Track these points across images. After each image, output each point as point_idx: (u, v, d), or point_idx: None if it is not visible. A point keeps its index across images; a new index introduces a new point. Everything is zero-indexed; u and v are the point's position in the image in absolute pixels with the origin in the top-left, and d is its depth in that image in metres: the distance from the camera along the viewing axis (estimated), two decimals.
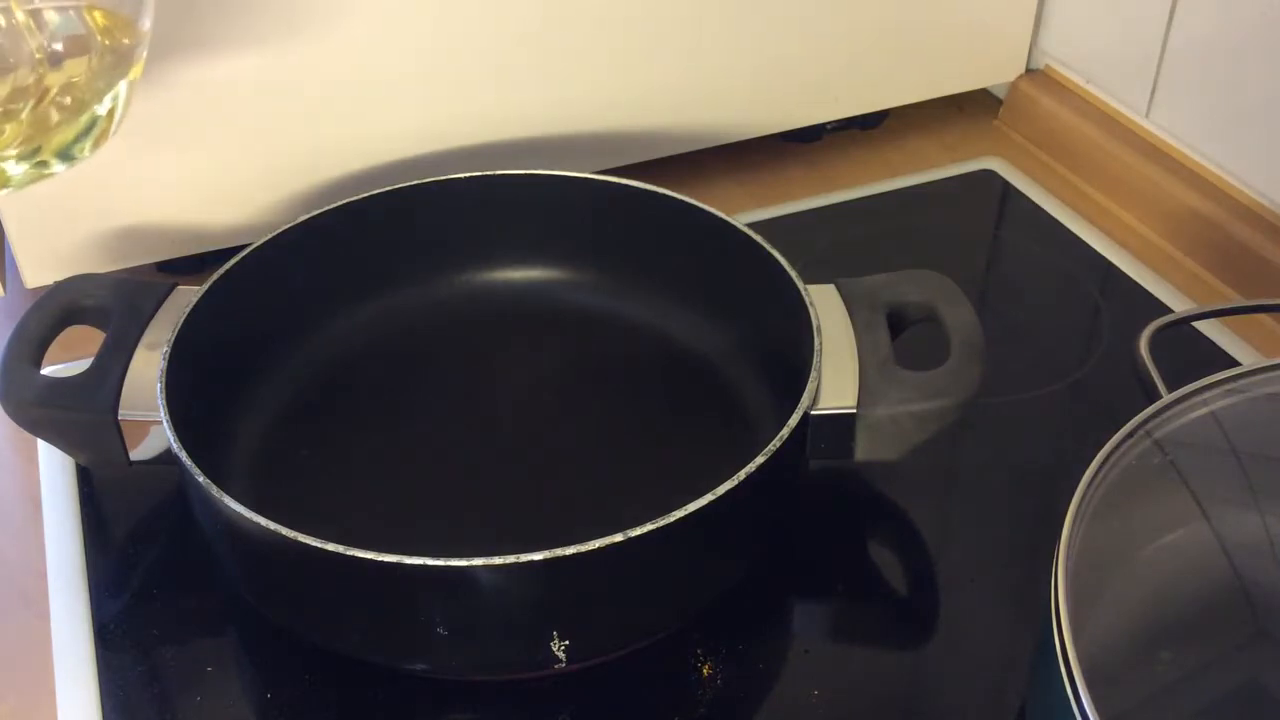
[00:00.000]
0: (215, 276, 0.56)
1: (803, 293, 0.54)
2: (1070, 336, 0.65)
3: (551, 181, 0.62)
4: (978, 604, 0.52)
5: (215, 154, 0.64)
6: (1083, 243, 0.71)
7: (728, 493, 0.45)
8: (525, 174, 0.62)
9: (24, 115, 0.45)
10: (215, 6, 0.60)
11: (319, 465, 0.56)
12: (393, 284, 0.63)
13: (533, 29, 0.66)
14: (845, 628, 0.52)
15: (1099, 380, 0.62)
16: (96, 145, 0.49)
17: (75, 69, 0.46)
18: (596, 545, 0.43)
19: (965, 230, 0.73)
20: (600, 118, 0.70)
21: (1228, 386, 0.47)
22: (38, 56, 0.44)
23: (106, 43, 0.47)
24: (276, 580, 0.48)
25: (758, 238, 0.57)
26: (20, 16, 0.44)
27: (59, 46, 0.46)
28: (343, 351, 0.61)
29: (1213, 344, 0.63)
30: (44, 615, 0.53)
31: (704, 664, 0.50)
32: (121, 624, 0.52)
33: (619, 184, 0.61)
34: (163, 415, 0.49)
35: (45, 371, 0.53)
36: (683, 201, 0.60)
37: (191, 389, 0.52)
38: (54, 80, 0.45)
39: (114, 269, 0.65)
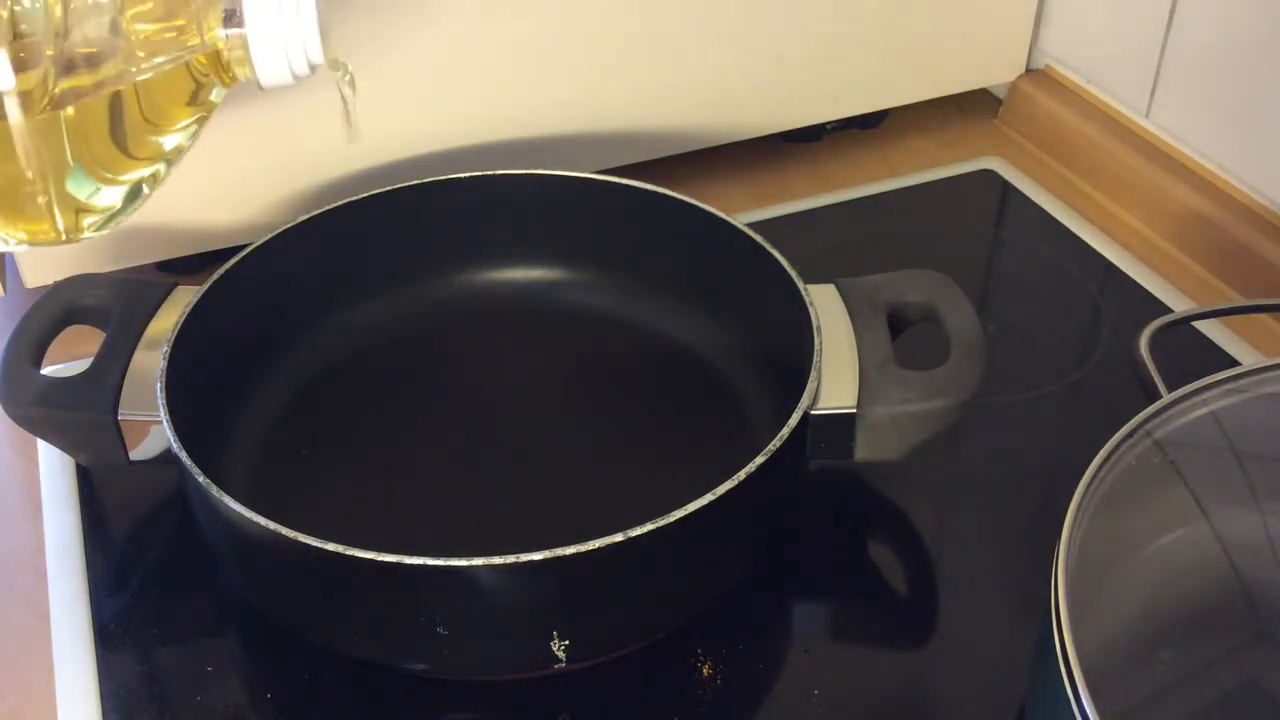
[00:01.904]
0: (215, 276, 0.56)
1: (803, 293, 0.54)
2: (1070, 336, 0.65)
3: (551, 181, 0.62)
4: (978, 604, 0.52)
5: (215, 154, 0.64)
6: (1083, 243, 0.71)
7: (728, 493, 0.45)
8: (525, 174, 0.62)
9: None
10: None
11: (319, 465, 0.56)
12: (393, 284, 0.63)
13: (533, 29, 0.66)
14: (845, 628, 0.52)
15: (1099, 380, 0.62)
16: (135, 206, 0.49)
17: (88, 78, 0.45)
18: (596, 545, 0.43)
19: (965, 230, 0.73)
20: (600, 118, 0.70)
21: (1228, 386, 0.47)
22: (49, 53, 0.43)
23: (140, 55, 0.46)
24: (276, 580, 0.48)
25: (758, 238, 0.57)
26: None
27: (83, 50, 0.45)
28: (343, 351, 0.61)
29: (1213, 344, 0.63)
30: (44, 615, 0.53)
31: (704, 664, 0.50)
32: (121, 624, 0.52)
33: (619, 184, 0.61)
34: (163, 415, 0.49)
35: (45, 371, 0.53)
36: (683, 201, 0.60)
37: (191, 389, 0.52)
38: (63, 86, 0.44)
39: (114, 269, 0.65)
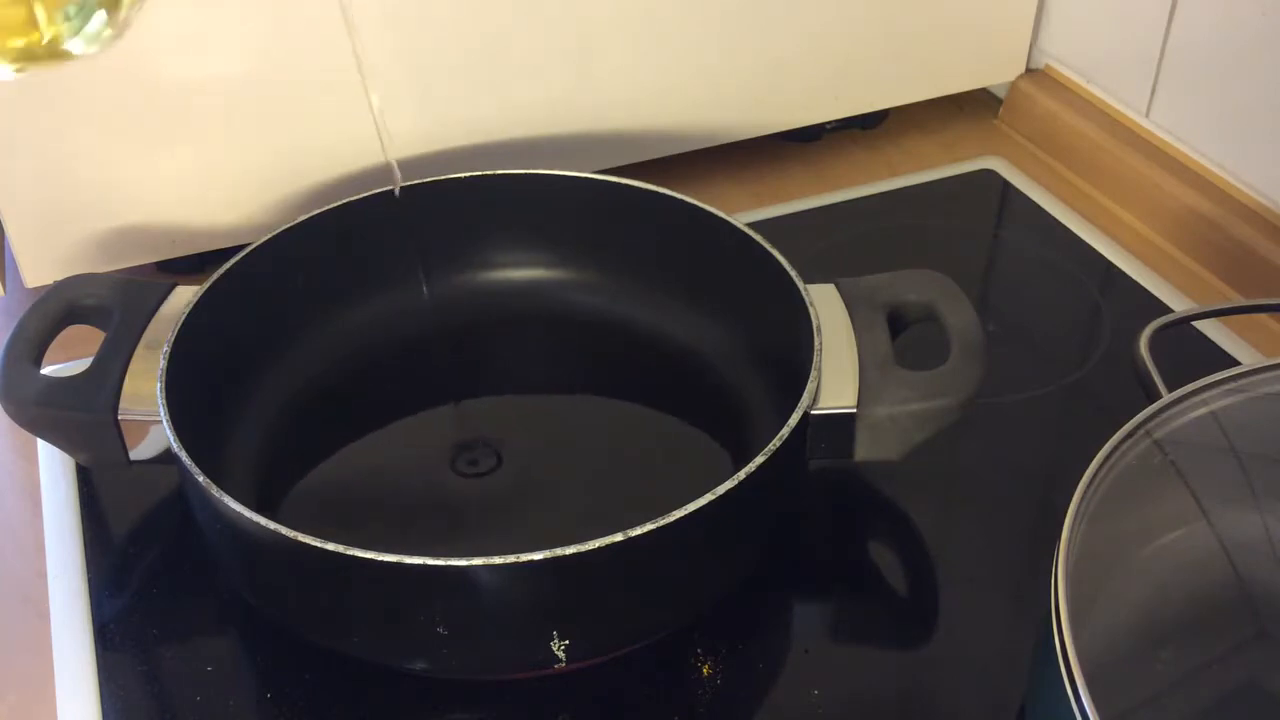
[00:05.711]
0: (215, 276, 0.56)
1: (803, 293, 0.54)
2: (1070, 336, 0.65)
3: (551, 181, 0.62)
4: (978, 604, 0.52)
5: (215, 154, 0.64)
6: (1083, 243, 0.71)
7: (728, 493, 0.45)
8: (525, 174, 0.62)
9: None
10: (215, 5, 0.60)
11: (318, 465, 0.56)
12: (392, 284, 0.63)
13: (532, 29, 0.66)
14: (845, 628, 0.52)
15: (1099, 380, 0.62)
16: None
17: None
18: (596, 545, 0.43)
19: (965, 230, 0.73)
20: (600, 118, 0.70)
21: (1228, 386, 0.47)
22: None
23: None
24: (277, 580, 0.48)
25: (758, 238, 0.57)
26: None
27: None
28: (342, 351, 0.61)
29: (1213, 344, 0.63)
30: (44, 615, 0.53)
31: (704, 664, 0.50)
32: (121, 624, 0.52)
33: (619, 184, 0.61)
34: (163, 415, 0.49)
35: (45, 371, 0.53)
36: (683, 201, 0.60)
37: (191, 389, 0.52)
38: None
39: (114, 269, 0.65)
